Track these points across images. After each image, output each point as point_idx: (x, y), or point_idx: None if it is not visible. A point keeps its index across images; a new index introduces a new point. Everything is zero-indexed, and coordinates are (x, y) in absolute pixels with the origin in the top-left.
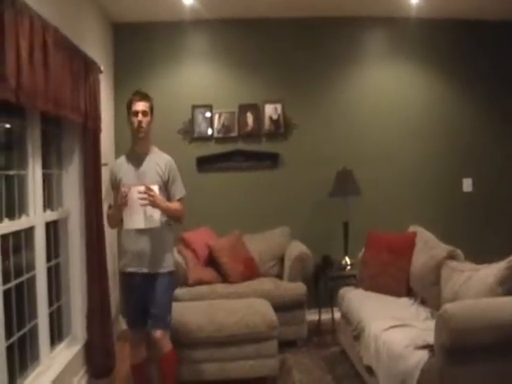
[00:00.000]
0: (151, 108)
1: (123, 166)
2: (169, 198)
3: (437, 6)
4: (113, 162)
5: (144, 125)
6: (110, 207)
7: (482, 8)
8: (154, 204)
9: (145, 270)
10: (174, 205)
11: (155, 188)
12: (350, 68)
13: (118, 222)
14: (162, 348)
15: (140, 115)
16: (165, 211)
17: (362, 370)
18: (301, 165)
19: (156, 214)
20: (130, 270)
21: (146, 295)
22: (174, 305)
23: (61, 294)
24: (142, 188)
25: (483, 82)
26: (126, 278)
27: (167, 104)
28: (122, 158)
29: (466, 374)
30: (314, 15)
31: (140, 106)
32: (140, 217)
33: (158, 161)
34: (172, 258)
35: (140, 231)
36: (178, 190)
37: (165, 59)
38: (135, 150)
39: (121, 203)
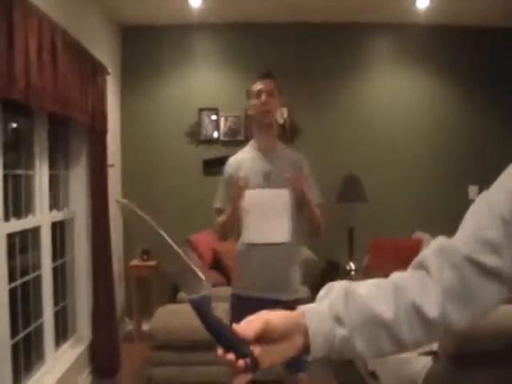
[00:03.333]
0: (279, 91)
1: (244, 165)
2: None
3: (445, 11)
4: (230, 158)
5: (271, 107)
6: (217, 212)
7: (490, 14)
8: (305, 199)
9: (275, 297)
10: (317, 210)
11: (286, 194)
12: (356, 73)
13: (232, 229)
14: None
15: (264, 95)
16: (311, 214)
17: (367, 375)
18: None
19: (288, 226)
20: (253, 294)
21: None
22: (179, 307)
23: (66, 293)
24: (276, 192)
25: (492, 88)
26: (244, 303)
27: (174, 107)
28: (241, 156)
29: (470, 380)
30: (320, 20)
31: (265, 84)
32: (273, 229)
33: (289, 159)
34: (301, 282)
35: (266, 247)
36: (316, 194)
37: (172, 62)
38: (259, 145)
39: (236, 196)
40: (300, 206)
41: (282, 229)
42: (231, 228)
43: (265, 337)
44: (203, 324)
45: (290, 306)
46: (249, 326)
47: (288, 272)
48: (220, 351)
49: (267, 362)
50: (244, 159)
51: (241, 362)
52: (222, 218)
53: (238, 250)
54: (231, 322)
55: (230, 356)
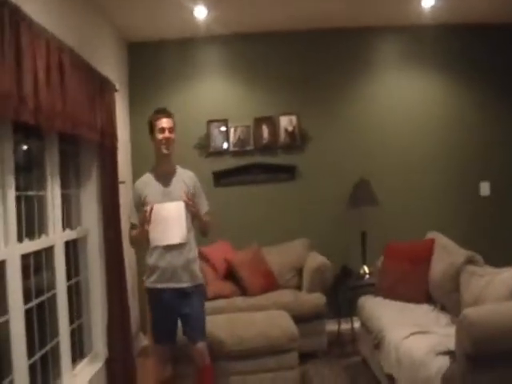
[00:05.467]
0: (174, 125)
1: (148, 185)
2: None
3: (449, 10)
4: (136, 181)
5: (171, 141)
6: (132, 227)
7: (495, 11)
8: (195, 213)
9: (178, 285)
10: (206, 217)
11: (182, 205)
12: (364, 78)
13: (142, 241)
14: (204, 360)
15: (167, 132)
16: (201, 222)
17: (384, 378)
18: (318, 176)
19: (184, 230)
20: (161, 286)
21: (179, 310)
22: None
23: (81, 311)
24: (173, 204)
25: (501, 86)
26: (155, 294)
27: (182, 120)
28: (147, 177)
29: (488, 380)
30: (326, 26)
31: (167, 122)
32: (173, 233)
33: (184, 178)
34: (200, 271)
35: (169, 247)
36: (204, 204)
37: (179, 75)
38: (160, 169)
39: (143, 221)
40: (193, 215)
41: (180, 232)
42: (141, 241)
43: None
44: None
45: (191, 290)
46: None
47: (187, 265)
48: None
49: None
50: (148, 180)
51: None
52: (134, 233)
53: (148, 252)
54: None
55: None
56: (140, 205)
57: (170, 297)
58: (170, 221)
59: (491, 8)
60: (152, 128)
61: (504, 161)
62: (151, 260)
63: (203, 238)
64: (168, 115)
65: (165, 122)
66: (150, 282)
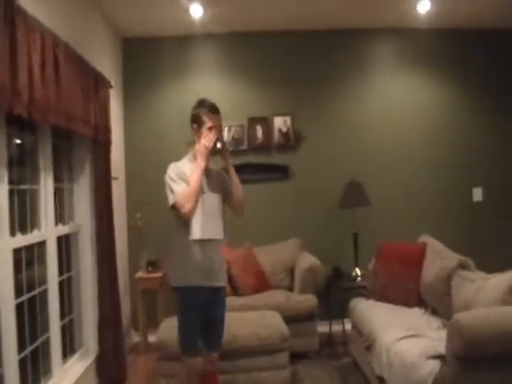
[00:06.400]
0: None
1: (190, 169)
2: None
3: (445, 15)
4: (174, 163)
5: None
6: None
7: (490, 16)
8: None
9: (216, 284)
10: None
11: (219, 199)
12: (358, 79)
13: (198, 197)
14: (216, 366)
15: (215, 130)
16: (235, 186)
17: (374, 380)
18: (311, 176)
19: (222, 225)
20: (198, 284)
21: (209, 314)
22: None
23: (73, 307)
24: (214, 196)
25: (493, 91)
26: (190, 295)
27: (176, 117)
28: (185, 163)
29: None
30: (322, 28)
31: (217, 120)
32: (214, 226)
33: (218, 171)
34: None
35: (208, 242)
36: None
37: (174, 73)
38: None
39: (208, 142)
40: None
41: (219, 227)
42: (197, 195)
43: None
44: None
45: (223, 291)
46: None
47: (223, 263)
48: None
49: None
50: (187, 162)
51: None
52: (194, 174)
53: (178, 247)
54: (183, 314)
55: None
56: (184, 179)
57: (205, 297)
58: (211, 214)
59: (485, 13)
60: (198, 121)
61: (497, 167)
62: (186, 255)
63: (239, 217)
64: (218, 111)
65: (215, 120)
66: (185, 279)
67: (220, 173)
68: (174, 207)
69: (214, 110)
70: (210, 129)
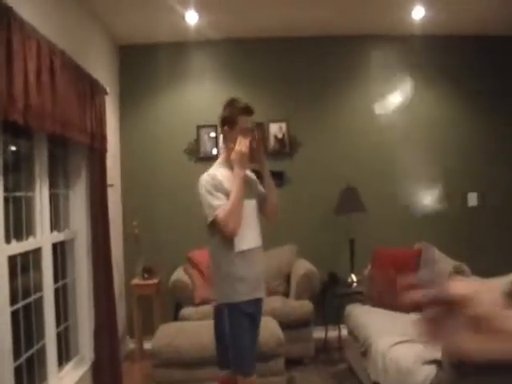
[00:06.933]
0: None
1: (226, 179)
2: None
3: (440, 22)
4: (208, 174)
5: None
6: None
7: (484, 22)
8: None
9: (258, 296)
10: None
11: (256, 204)
12: (354, 86)
13: (241, 210)
14: None
15: (249, 134)
16: (268, 186)
17: None
18: (306, 182)
19: (260, 232)
20: (255, 296)
21: (256, 324)
22: (181, 325)
23: (68, 314)
24: (252, 203)
25: (488, 96)
26: (246, 312)
27: (172, 124)
28: (219, 170)
29: None
30: (317, 34)
31: (251, 122)
32: (255, 234)
33: (251, 176)
34: None
35: (253, 251)
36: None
37: (169, 80)
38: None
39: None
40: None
41: (259, 234)
42: (240, 208)
43: None
44: None
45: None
46: None
47: (263, 272)
48: None
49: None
50: (224, 177)
51: None
52: (227, 203)
53: (233, 259)
54: (241, 332)
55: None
56: (223, 192)
57: (253, 310)
58: (249, 221)
59: (479, 20)
60: (230, 122)
61: (492, 172)
62: (231, 269)
63: (272, 222)
64: (253, 113)
65: (250, 123)
66: (242, 294)
67: (252, 176)
68: (213, 223)
69: (248, 111)
70: (244, 133)
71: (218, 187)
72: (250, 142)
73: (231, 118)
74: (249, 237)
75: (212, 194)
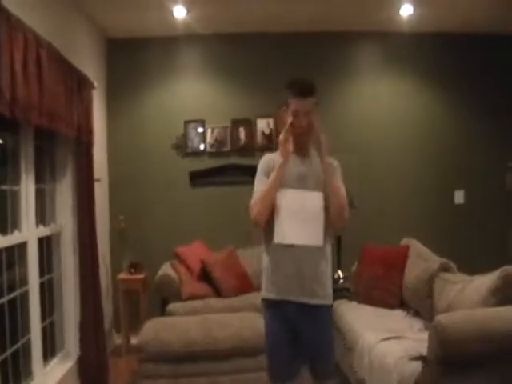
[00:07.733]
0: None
1: (278, 159)
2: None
3: (428, 20)
4: (265, 157)
5: (305, 128)
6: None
7: (472, 20)
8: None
9: (302, 300)
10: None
11: (319, 197)
12: (342, 82)
13: (271, 204)
14: None
15: (301, 117)
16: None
17: (355, 382)
18: None
19: (321, 230)
20: (280, 297)
21: (301, 332)
22: (168, 320)
23: (54, 308)
24: (312, 195)
25: (476, 94)
26: (272, 308)
27: (160, 119)
28: (273, 155)
29: None
30: (306, 30)
31: (307, 105)
32: (309, 230)
33: (318, 162)
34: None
35: (295, 249)
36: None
37: (157, 74)
38: (294, 150)
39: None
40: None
41: (317, 232)
42: (269, 197)
43: None
44: None
45: (320, 309)
46: None
47: (321, 276)
48: None
49: None
50: (276, 162)
51: None
52: (271, 178)
53: (268, 250)
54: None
55: None
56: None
57: (294, 313)
58: (307, 215)
59: (466, 18)
60: (286, 104)
61: (478, 170)
62: (270, 262)
63: (338, 230)
64: (311, 95)
65: (304, 106)
66: (268, 290)
67: (328, 164)
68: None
69: (302, 93)
70: (294, 116)
71: (266, 171)
72: (292, 129)
73: (286, 100)
74: (295, 231)
75: (258, 177)
